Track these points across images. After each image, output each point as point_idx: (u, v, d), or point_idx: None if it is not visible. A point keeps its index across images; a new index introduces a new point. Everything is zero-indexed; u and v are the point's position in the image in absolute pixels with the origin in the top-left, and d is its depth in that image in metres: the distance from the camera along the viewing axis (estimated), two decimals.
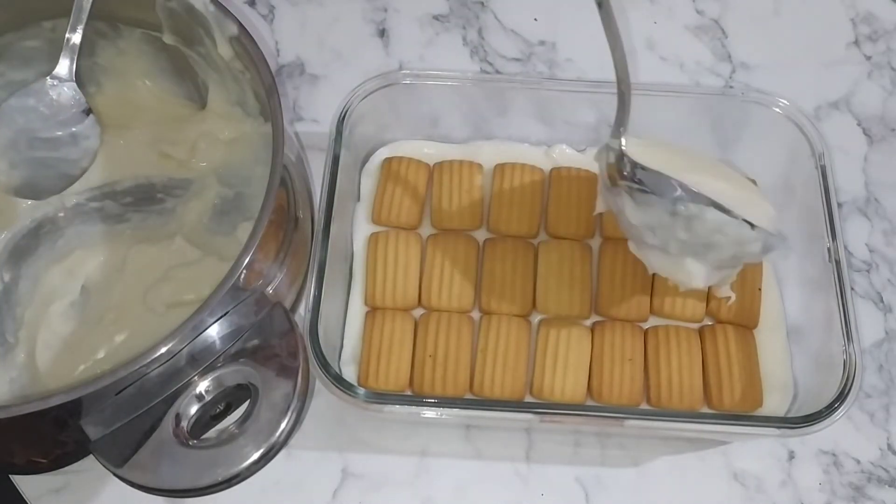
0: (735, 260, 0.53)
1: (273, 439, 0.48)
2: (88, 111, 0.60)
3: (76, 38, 0.58)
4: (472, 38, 0.76)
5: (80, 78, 0.60)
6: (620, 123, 0.51)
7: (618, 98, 0.51)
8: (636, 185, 0.51)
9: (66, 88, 0.59)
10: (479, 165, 0.66)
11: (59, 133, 0.60)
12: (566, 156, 0.67)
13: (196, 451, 0.48)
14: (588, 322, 0.61)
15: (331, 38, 0.76)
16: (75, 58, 0.59)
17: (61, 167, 0.60)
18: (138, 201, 0.64)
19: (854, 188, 0.70)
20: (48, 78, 0.59)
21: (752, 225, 0.51)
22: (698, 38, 0.76)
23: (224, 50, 0.58)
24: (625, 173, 0.52)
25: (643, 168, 0.51)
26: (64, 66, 0.59)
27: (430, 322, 0.60)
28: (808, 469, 0.60)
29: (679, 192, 0.50)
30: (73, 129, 0.60)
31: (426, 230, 0.64)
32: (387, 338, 0.59)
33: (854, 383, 0.53)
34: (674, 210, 0.50)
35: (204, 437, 0.51)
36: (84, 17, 0.58)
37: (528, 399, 0.59)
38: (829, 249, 0.58)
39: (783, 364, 0.60)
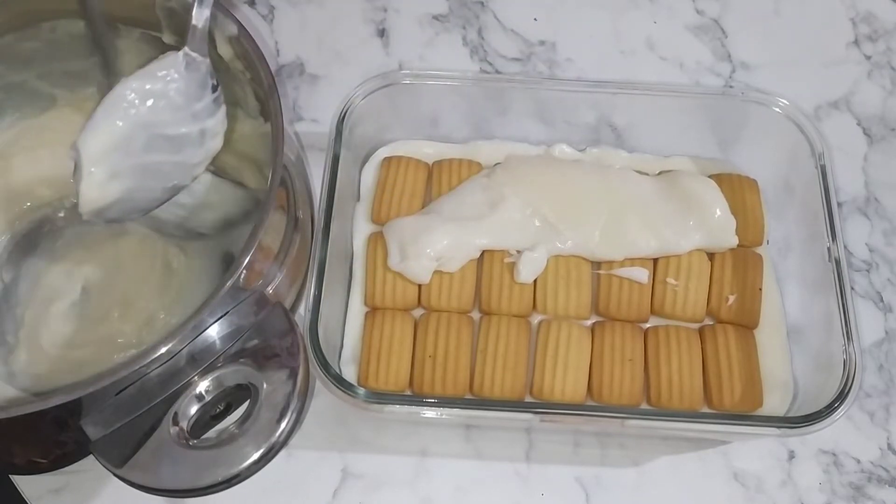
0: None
1: (273, 439, 0.48)
2: (220, 100, 0.45)
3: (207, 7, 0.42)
4: (471, 38, 0.76)
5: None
6: None
7: None
8: None
9: (202, 68, 0.44)
10: (479, 164, 0.65)
11: (187, 129, 0.45)
12: (566, 155, 0.67)
13: (196, 451, 0.48)
14: (588, 322, 0.61)
15: (331, 38, 0.76)
16: (206, 31, 0.42)
17: (174, 176, 0.45)
18: None
19: (854, 188, 0.70)
20: (181, 52, 0.43)
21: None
22: (698, 38, 0.76)
23: (224, 50, 0.58)
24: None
25: None
26: (197, 39, 0.43)
27: (429, 322, 0.60)
28: (808, 469, 0.60)
29: None
30: (205, 125, 0.46)
31: None
32: (387, 338, 0.59)
33: (854, 383, 0.53)
34: None
35: (204, 437, 0.50)
36: None
37: (528, 399, 0.59)
38: (829, 249, 0.58)
39: (783, 364, 0.60)
